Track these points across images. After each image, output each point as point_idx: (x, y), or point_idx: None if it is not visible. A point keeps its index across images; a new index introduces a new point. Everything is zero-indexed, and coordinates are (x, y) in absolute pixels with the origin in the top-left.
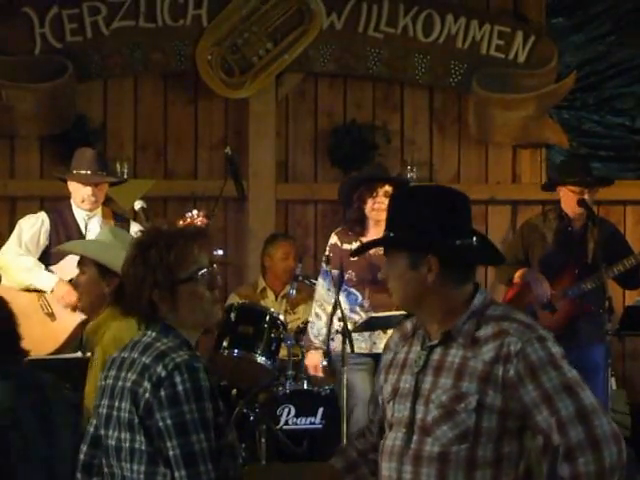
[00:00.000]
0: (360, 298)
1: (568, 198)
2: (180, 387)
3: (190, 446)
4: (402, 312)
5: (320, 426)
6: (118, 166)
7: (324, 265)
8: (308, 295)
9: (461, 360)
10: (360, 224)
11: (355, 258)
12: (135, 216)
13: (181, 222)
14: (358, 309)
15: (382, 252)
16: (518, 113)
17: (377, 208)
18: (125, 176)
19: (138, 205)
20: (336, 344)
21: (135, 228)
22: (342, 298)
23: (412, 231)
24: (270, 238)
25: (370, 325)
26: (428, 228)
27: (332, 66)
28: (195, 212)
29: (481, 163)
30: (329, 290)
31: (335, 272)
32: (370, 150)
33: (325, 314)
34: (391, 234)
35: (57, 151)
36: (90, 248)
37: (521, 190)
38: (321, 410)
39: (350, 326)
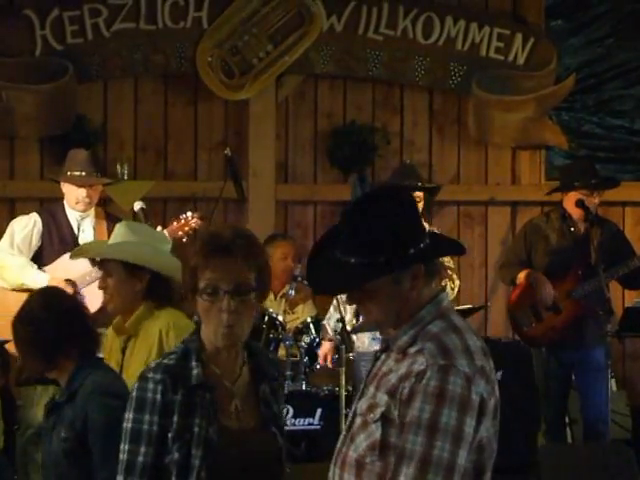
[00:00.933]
0: None
1: (573, 200)
2: (132, 393)
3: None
4: None
5: (319, 427)
6: (118, 167)
7: None
8: (307, 295)
9: (387, 371)
10: None
11: None
12: (135, 217)
13: (175, 223)
14: None
15: None
16: (517, 115)
17: None
18: (125, 177)
19: (138, 206)
20: (363, 343)
21: None
22: None
23: (365, 255)
24: (269, 238)
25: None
26: (380, 248)
27: (332, 68)
28: (189, 214)
29: (481, 164)
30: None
31: None
32: (370, 151)
33: (339, 313)
34: (352, 260)
35: (57, 152)
36: (114, 250)
37: (520, 191)
38: (319, 411)
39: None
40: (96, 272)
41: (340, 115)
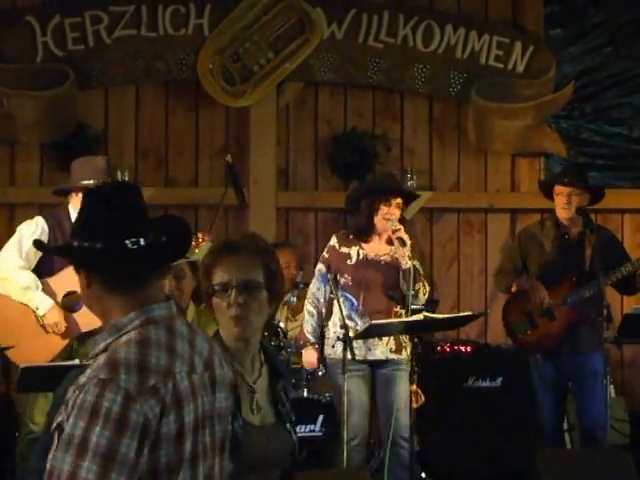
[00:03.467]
0: (355, 303)
1: (557, 202)
2: None
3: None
4: (402, 319)
5: (320, 434)
6: (119, 174)
7: (320, 265)
8: None
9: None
10: (366, 231)
11: (352, 262)
12: None
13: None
14: (354, 315)
15: (383, 257)
16: (517, 122)
17: (387, 218)
18: None
19: None
20: (335, 351)
21: None
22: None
23: (72, 244)
24: (271, 246)
25: (370, 332)
26: (84, 237)
27: (332, 75)
28: (200, 235)
29: (480, 172)
30: (319, 289)
31: (323, 268)
32: (370, 158)
33: (317, 311)
34: (75, 243)
35: (57, 158)
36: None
37: (520, 198)
38: (321, 418)
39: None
40: None
41: (341, 122)
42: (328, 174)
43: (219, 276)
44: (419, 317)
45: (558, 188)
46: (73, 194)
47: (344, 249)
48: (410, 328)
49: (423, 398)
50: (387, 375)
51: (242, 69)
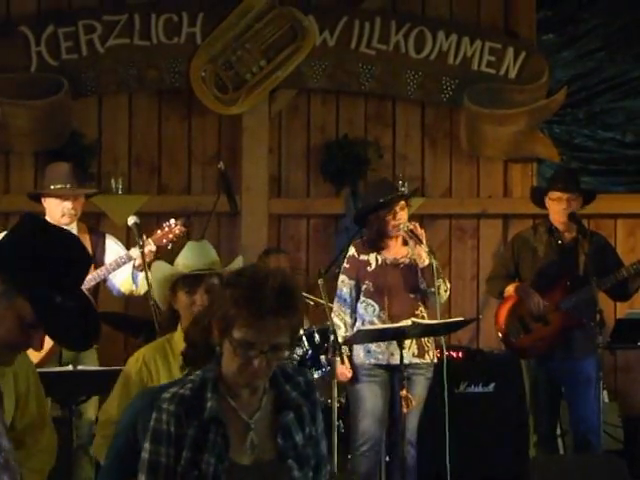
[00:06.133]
0: (378, 309)
1: (553, 208)
2: (150, 423)
3: None
4: (391, 325)
5: None
6: (113, 182)
7: (342, 276)
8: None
9: None
10: (380, 241)
11: (372, 268)
12: (129, 232)
13: (159, 232)
14: (376, 320)
15: (402, 259)
16: (509, 128)
17: (397, 224)
18: (120, 192)
19: (131, 221)
20: (355, 355)
21: (111, 242)
22: (360, 310)
23: None
24: (264, 253)
25: (358, 339)
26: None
27: (325, 82)
28: (172, 221)
29: (472, 177)
30: (345, 301)
31: (346, 279)
32: (362, 165)
33: (343, 323)
34: None
35: None
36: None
37: (512, 204)
38: None
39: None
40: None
41: (333, 129)
42: (320, 181)
43: (242, 332)
44: (407, 323)
45: (555, 194)
46: (42, 199)
47: (363, 256)
48: (401, 334)
49: (414, 403)
50: (406, 377)
51: (234, 77)
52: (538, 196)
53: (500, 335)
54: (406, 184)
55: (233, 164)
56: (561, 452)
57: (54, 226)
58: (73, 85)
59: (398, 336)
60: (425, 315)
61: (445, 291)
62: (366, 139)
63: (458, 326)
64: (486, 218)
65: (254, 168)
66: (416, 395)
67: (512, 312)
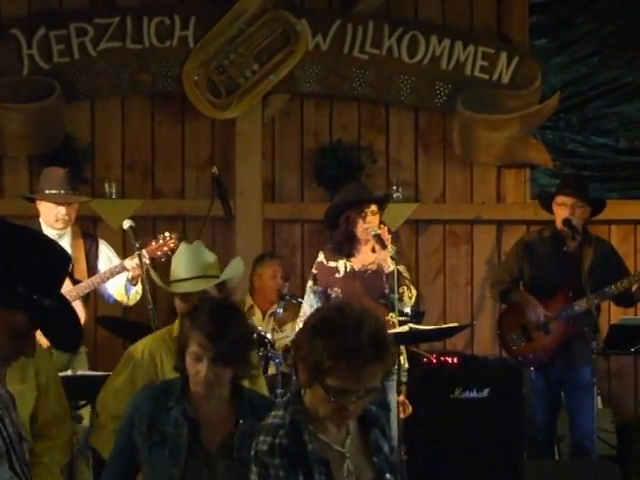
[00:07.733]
0: None
1: (558, 213)
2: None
3: None
4: (397, 330)
5: None
6: (106, 186)
7: (310, 282)
8: (295, 313)
9: None
10: (349, 245)
11: (340, 275)
12: (124, 236)
13: (154, 243)
14: None
15: (370, 266)
16: (502, 133)
17: (367, 228)
18: (113, 196)
19: (127, 224)
20: None
21: (103, 246)
22: None
23: None
24: (258, 258)
25: None
26: None
27: (318, 87)
28: (167, 234)
29: (466, 183)
30: (312, 306)
31: (320, 289)
32: (356, 170)
33: None
34: None
35: None
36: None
37: (506, 210)
38: None
39: None
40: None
41: (326, 134)
42: (314, 186)
43: (339, 382)
44: (404, 329)
45: (561, 198)
46: (36, 203)
47: (332, 263)
48: (396, 340)
49: (410, 409)
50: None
51: (227, 81)
52: (546, 201)
53: (500, 342)
54: (400, 189)
55: (226, 169)
56: (556, 457)
57: (22, 228)
58: (65, 88)
59: (395, 342)
60: (395, 322)
61: (410, 298)
62: (359, 144)
63: (452, 332)
64: (479, 224)
65: (248, 173)
66: (391, 401)
67: (514, 319)
